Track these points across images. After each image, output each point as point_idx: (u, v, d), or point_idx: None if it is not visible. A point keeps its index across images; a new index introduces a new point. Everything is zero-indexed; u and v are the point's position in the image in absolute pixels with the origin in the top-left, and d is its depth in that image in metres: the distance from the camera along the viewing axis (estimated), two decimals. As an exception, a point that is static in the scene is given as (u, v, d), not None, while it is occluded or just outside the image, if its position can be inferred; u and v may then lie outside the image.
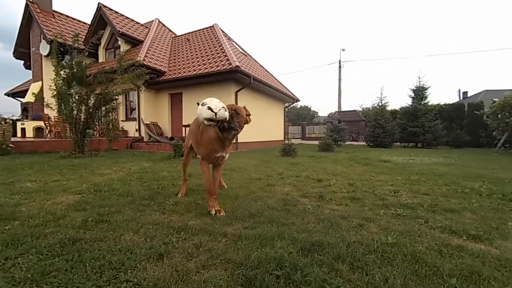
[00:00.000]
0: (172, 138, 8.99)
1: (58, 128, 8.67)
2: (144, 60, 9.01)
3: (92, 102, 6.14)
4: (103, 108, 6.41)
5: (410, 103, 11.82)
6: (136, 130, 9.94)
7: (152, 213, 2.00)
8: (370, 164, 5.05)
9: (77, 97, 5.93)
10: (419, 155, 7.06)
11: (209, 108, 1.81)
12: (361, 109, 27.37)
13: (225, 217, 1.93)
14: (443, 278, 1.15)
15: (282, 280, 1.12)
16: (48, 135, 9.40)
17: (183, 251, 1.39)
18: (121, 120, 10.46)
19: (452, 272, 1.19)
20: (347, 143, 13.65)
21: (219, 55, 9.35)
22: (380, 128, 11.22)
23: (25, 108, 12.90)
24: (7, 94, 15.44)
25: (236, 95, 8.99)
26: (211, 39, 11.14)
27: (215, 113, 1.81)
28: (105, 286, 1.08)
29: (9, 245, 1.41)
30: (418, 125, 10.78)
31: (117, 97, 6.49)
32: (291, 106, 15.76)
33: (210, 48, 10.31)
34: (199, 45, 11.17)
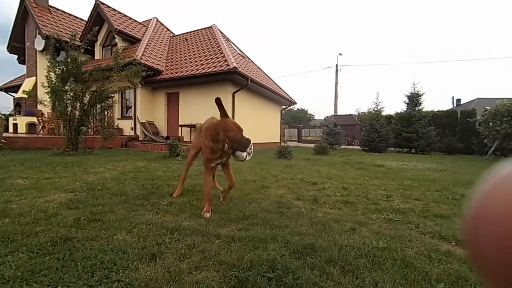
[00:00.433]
0: (167, 138, 8.94)
1: (52, 124, 8.54)
2: (141, 58, 8.96)
3: (87, 99, 6.08)
4: (99, 106, 6.34)
5: (405, 109, 11.99)
6: (132, 128, 9.85)
7: (146, 213, 2.00)
8: (364, 169, 5.10)
9: (71, 94, 5.86)
10: (412, 160, 7.16)
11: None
12: (357, 114, 27.63)
13: (219, 219, 1.93)
14: (431, 283, 1.18)
15: (274, 283, 1.13)
16: (41, 132, 9.25)
17: (176, 251, 1.39)
18: (117, 118, 10.37)
19: (440, 277, 1.22)
20: (342, 146, 13.76)
21: (217, 55, 9.35)
22: (375, 133, 11.34)
23: (18, 103, 12.70)
24: (0, 89, 15.15)
25: (233, 96, 9.00)
26: (209, 39, 11.14)
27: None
28: (97, 286, 1.07)
29: (-2, 243, 1.39)
30: (412, 131, 10.94)
31: (113, 95, 6.44)
32: (288, 108, 15.82)
33: (208, 49, 10.32)
34: (197, 45, 11.16)
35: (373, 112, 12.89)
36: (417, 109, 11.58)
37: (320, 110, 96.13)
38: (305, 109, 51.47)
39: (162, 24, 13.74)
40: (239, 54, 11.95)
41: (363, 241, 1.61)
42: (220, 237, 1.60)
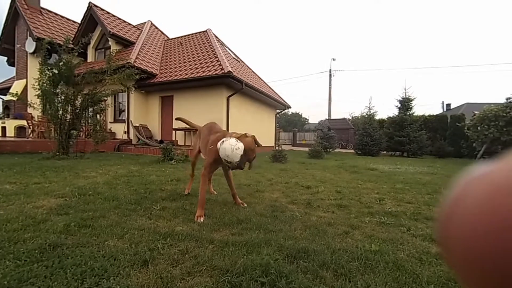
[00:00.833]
0: (161, 141, 8.86)
1: (42, 128, 8.36)
2: (135, 61, 8.91)
3: (79, 102, 5.99)
4: (91, 109, 6.26)
5: (397, 113, 12.23)
6: (125, 132, 9.73)
7: (138, 218, 1.97)
8: (357, 172, 5.16)
9: (63, 97, 5.77)
10: (405, 164, 7.28)
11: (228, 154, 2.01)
12: (350, 118, 28.02)
13: (212, 223, 1.92)
14: (421, 285, 1.20)
15: (267, 287, 1.13)
16: (31, 135, 9.04)
17: (169, 257, 1.37)
18: (109, 122, 10.23)
19: (430, 279, 1.24)
20: (336, 150, 13.89)
21: (211, 59, 9.38)
22: (368, 137, 11.51)
23: (6, 106, 12.40)
24: (-12, 91, 14.78)
25: (228, 100, 9.02)
26: (204, 43, 11.17)
27: (228, 160, 2.01)
28: (86, 294, 1.05)
29: (-16, 250, 1.35)
30: (404, 135, 11.15)
31: (105, 98, 6.37)
32: (283, 112, 15.91)
33: (202, 53, 10.34)
34: (191, 49, 11.17)
35: (366, 116, 13.10)
36: (408, 113, 11.83)
37: (315, 114, 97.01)
38: (300, 113, 51.87)
39: (156, 28, 13.72)
40: (234, 58, 12.01)
41: (356, 244, 1.62)
42: (213, 242, 1.59)
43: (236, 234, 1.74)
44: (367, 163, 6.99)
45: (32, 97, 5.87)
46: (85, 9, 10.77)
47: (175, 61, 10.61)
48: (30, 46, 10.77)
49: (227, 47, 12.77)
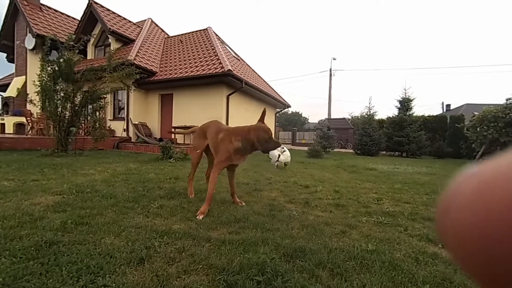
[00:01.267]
0: (161, 139, 8.86)
1: (41, 125, 8.35)
2: (135, 59, 8.89)
3: (79, 99, 5.98)
4: (90, 107, 6.24)
5: (397, 114, 12.23)
6: (124, 130, 9.72)
7: (136, 216, 1.97)
8: (356, 172, 5.16)
9: (62, 94, 5.76)
10: (403, 164, 7.29)
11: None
12: (350, 117, 28.02)
13: (210, 222, 1.92)
14: (417, 284, 1.20)
15: (263, 286, 1.13)
16: (30, 132, 9.03)
17: (165, 255, 1.37)
18: (109, 119, 10.22)
19: (426, 279, 1.24)
20: (335, 150, 13.89)
21: (211, 58, 9.36)
22: (367, 137, 11.51)
23: (5, 102, 12.36)
24: (-13, 87, 14.74)
25: (227, 98, 9.01)
26: (204, 41, 11.14)
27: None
28: (81, 291, 1.05)
29: (-20, 247, 1.34)
30: (403, 135, 11.15)
31: (105, 95, 6.35)
32: (282, 111, 15.90)
33: (203, 51, 10.31)
34: (192, 47, 11.14)
35: (366, 116, 13.11)
36: (408, 113, 11.83)
37: (314, 114, 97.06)
38: (300, 112, 51.84)
39: (156, 25, 13.68)
40: (234, 56, 11.99)
41: (352, 244, 1.62)
42: (210, 240, 1.59)
43: (233, 232, 1.74)
44: (366, 163, 7.00)
45: (32, 94, 5.85)
46: (85, 6, 10.74)
47: (175, 59, 10.58)
48: (30, 42, 10.72)
49: (227, 45, 12.73)
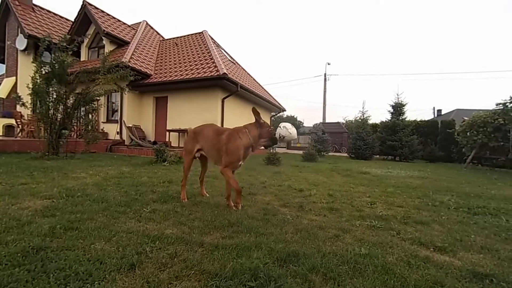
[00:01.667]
0: (155, 143, 8.76)
1: (32, 127, 8.17)
2: (129, 61, 8.83)
3: (71, 101, 5.89)
4: (83, 109, 6.15)
5: (390, 118, 12.42)
6: (117, 132, 9.60)
7: (127, 221, 1.93)
8: (350, 176, 5.20)
9: (55, 96, 5.66)
10: (396, 168, 7.39)
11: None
12: (344, 122, 28.34)
13: (203, 226, 1.90)
14: (409, 288, 1.21)
15: (256, 292, 1.12)
16: (20, 134, 8.82)
17: (157, 261, 1.35)
18: (102, 122, 10.08)
19: (417, 283, 1.25)
20: (330, 153, 13.99)
21: (207, 61, 9.37)
22: (361, 141, 11.64)
23: (-5, 104, 12.08)
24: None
25: (222, 102, 9.01)
26: (199, 45, 11.16)
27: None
28: (69, 299, 1.02)
29: (-37, 253, 1.30)
30: (396, 139, 11.32)
31: (98, 98, 6.27)
32: (277, 115, 15.97)
33: (198, 54, 10.32)
34: (187, 50, 11.14)
35: (360, 120, 13.26)
36: (400, 118, 12.03)
37: (309, 118, 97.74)
38: (295, 116, 52.21)
39: (151, 28, 13.65)
40: (230, 60, 12.03)
41: (346, 248, 1.63)
42: (203, 245, 1.57)
43: (227, 237, 1.72)
44: (360, 167, 7.06)
45: (24, 95, 5.73)
46: (79, 7, 10.64)
47: (170, 61, 10.55)
48: (21, 43, 10.54)
49: (222, 49, 12.78)
